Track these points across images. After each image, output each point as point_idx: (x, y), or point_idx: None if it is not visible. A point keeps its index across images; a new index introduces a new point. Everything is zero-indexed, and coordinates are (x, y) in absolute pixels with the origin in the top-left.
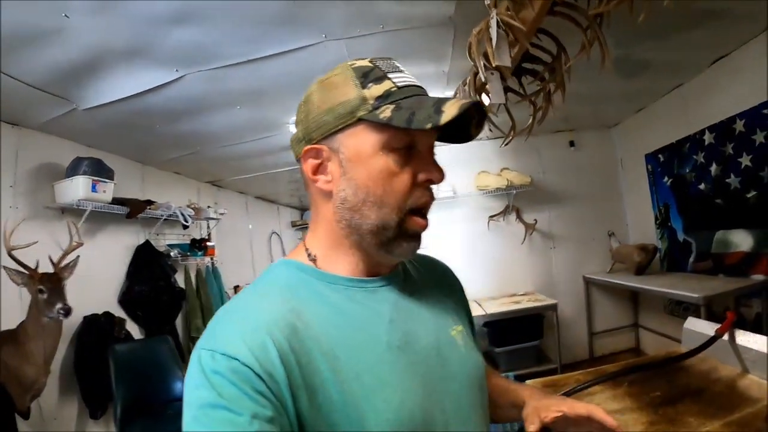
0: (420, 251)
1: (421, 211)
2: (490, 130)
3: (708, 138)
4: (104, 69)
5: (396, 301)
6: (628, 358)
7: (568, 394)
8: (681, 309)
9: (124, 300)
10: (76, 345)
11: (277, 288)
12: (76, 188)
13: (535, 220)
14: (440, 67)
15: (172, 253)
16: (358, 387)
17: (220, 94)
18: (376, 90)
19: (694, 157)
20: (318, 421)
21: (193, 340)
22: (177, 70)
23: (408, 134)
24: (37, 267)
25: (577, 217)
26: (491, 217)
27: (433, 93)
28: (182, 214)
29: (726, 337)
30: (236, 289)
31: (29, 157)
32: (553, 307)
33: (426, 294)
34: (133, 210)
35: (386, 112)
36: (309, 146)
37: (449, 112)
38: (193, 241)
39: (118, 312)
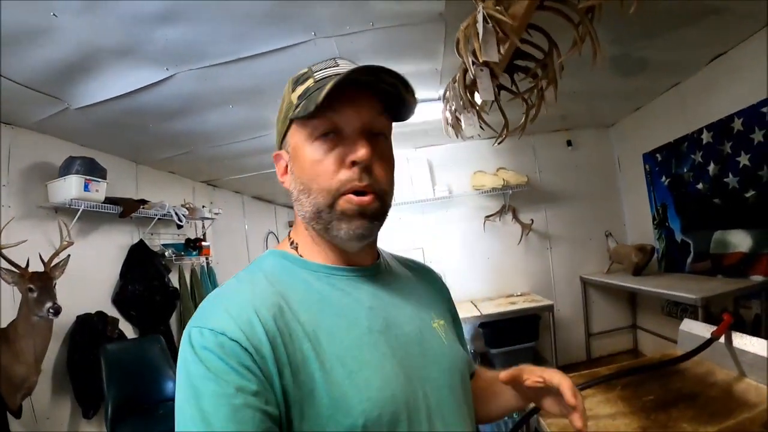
0: (418, 251)
1: (356, 191)
2: (482, 128)
3: (706, 137)
4: (95, 68)
5: (377, 290)
6: (626, 359)
7: None
8: (679, 310)
9: (118, 300)
10: (69, 344)
11: (264, 274)
12: (69, 187)
13: (532, 220)
14: (433, 65)
15: (166, 253)
16: (340, 367)
17: (213, 93)
18: (298, 90)
19: (692, 156)
20: (301, 398)
21: None
22: (167, 69)
23: (326, 121)
24: (27, 266)
25: (574, 217)
26: (487, 217)
27: (427, 92)
28: (176, 214)
29: (722, 339)
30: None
31: (22, 157)
32: (550, 308)
33: (408, 288)
34: (127, 209)
35: (299, 107)
36: (275, 153)
37: (326, 91)
38: (188, 240)
39: (112, 311)
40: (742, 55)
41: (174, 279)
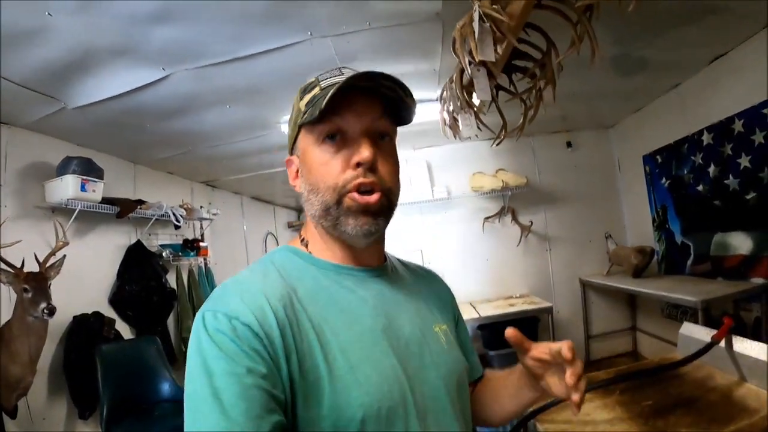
0: (416, 252)
1: (361, 190)
2: (480, 129)
3: (706, 138)
4: (91, 67)
5: (382, 290)
6: (626, 361)
7: (556, 404)
8: (679, 313)
9: (115, 300)
10: (66, 345)
11: (275, 267)
12: (66, 187)
13: (531, 221)
14: (430, 66)
15: (164, 254)
16: (342, 360)
17: (210, 93)
18: (306, 98)
19: (693, 157)
20: (305, 387)
21: (184, 341)
22: (163, 69)
23: (331, 125)
24: (22, 266)
25: (574, 218)
26: (486, 218)
27: (425, 92)
28: (174, 214)
29: (723, 343)
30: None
31: (19, 156)
32: (549, 310)
33: (413, 291)
34: (123, 209)
35: (306, 114)
36: (287, 158)
37: (328, 97)
38: (186, 241)
39: (109, 312)
40: (743, 56)
41: (171, 279)
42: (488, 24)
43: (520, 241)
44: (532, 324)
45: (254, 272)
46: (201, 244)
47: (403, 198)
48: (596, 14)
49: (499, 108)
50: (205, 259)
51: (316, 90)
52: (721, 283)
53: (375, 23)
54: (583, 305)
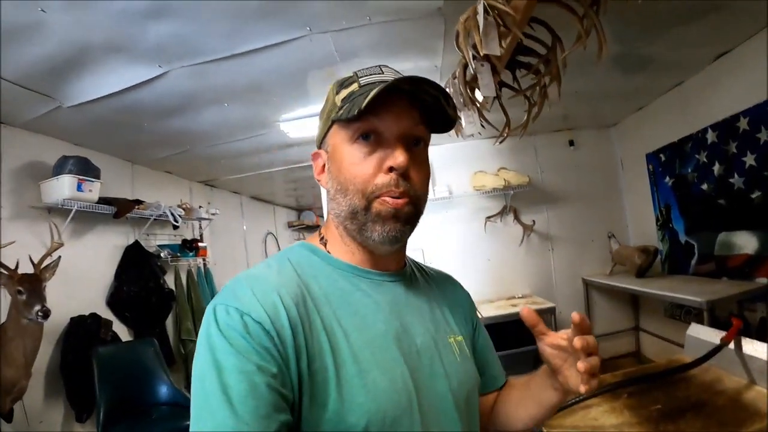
0: (417, 252)
1: (390, 194)
2: (483, 126)
3: (711, 137)
4: (86, 65)
5: (398, 296)
6: (629, 362)
7: (564, 408)
8: (682, 312)
9: (113, 301)
10: (62, 347)
11: (291, 264)
12: (62, 187)
13: (533, 221)
14: (432, 62)
15: (162, 254)
16: (351, 364)
17: (208, 91)
18: (342, 94)
19: (697, 156)
20: (313, 387)
21: (183, 342)
22: (160, 66)
23: (368, 125)
24: (17, 267)
25: (577, 218)
26: (488, 218)
27: None
28: (172, 214)
29: (731, 345)
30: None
31: (14, 156)
32: (552, 311)
33: (430, 299)
34: (121, 210)
35: (342, 110)
36: (314, 152)
37: (370, 97)
38: (184, 241)
39: (106, 313)
40: (748, 53)
41: (170, 280)
42: (493, 17)
43: (522, 241)
44: None
45: (270, 267)
46: (200, 244)
47: None
48: (603, 8)
49: (503, 105)
50: (204, 260)
51: (355, 86)
52: (725, 282)
53: (376, 18)
54: (585, 305)
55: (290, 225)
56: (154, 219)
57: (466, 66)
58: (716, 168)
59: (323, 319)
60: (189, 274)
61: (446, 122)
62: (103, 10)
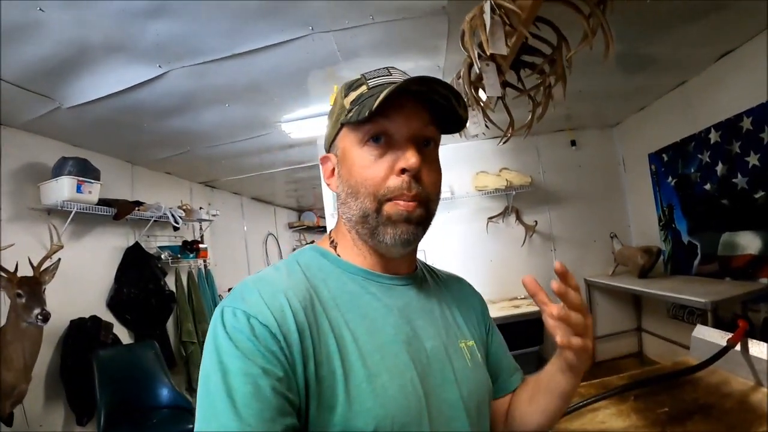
0: (420, 253)
1: (402, 197)
2: (487, 126)
3: (714, 136)
4: (86, 65)
5: (409, 300)
6: (631, 362)
7: (570, 412)
8: (685, 313)
9: (113, 303)
10: (62, 350)
11: (301, 267)
12: (61, 189)
13: (536, 221)
14: (435, 62)
15: (162, 256)
16: (360, 369)
17: (208, 91)
18: (351, 96)
19: (699, 156)
20: (320, 392)
21: (184, 344)
22: (159, 66)
23: (378, 127)
24: (16, 270)
25: (579, 218)
26: (490, 218)
27: None
28: (172, 215)
29: (738, 347)
30: (230, 292)
31: (13, 157)
32: None
33: (441, 303)
34: (121, 211)
35: (351, 112)
36: (323, 156)
37: (380, 99)
38: (185, 243)
39: (107, 316)
40: (750, 53)
41: (170, 282)
42: (499, 16)
43: (524, 242)
44: (538, 326)
45: (278, 270)
46: (200, 245)
47: None
48: (611, 7)
49: (506, 105)
50: (204, 261)
51: (363, 88)
52: (729, 283)
53: (379, 17)
54: (588, 306)
55: (291, 226)
56: (155, 220)
57: (471, 65)
58: (719, 168)
59: (332, 322)
60: (189, 275)
61: (457, 122)
62: (103, 10)
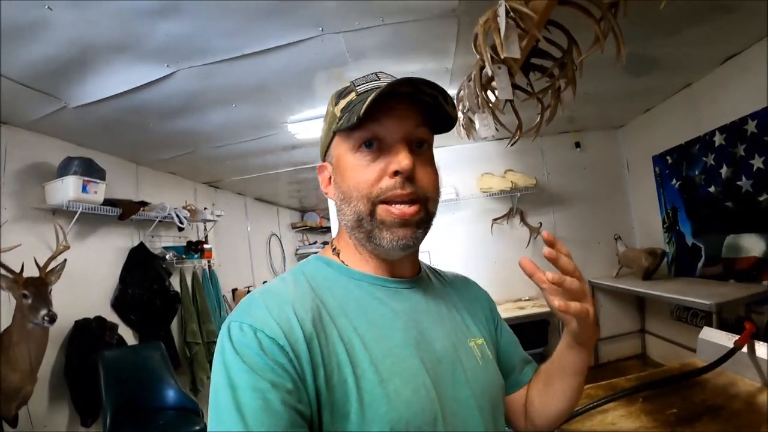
0: (424, 254)
1: (396, 200)
2: (497, 129)
3: (718, 139)
4: (93, 64)
5: (415, 303)
6: (634, 364)
7: (580, 413)
8: (689, 315)
9: (117, 304)
10: (67, 350)
11: (306, 277)
12: (66, 189)
13: (540, 223)
14: (443, 64)
15: (167, 256)
16: (372, 374)
17: (216, 91)
18: (341, 104)
19: (704, 158)
20: (332, 401)
21: (188, 344)
22: (168, 66)
23: (368, 132)
24: (22, 270)
25: (583, 220)
26: (495, 220)
27: None
28: (177, 216)
29: (744, 349)
30: (234, 292)
31: (18, 157)
32: None
33: (447, 303)
34: (126, 211)
35: (342, 120)
36: (319, 165)
37: (368, 103)
38: (189, 243)
39: (111, 316)
40: (756, 56)
41: (175, 282)
42: (512, 19)
43: (528, 243)
44: (542, 327)
45: (284, 282)
46: (205, 246)
47: None
48: (623, 10)
49: (515, 108)
50: (209, 262)
51: (353, 95)
52: (733, 285)
53: (389, 19)
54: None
55: (294, 226)
56: (159, 221)
57: (482, 68)
58: (724, 170)
59: (340, 330)
60: (194, 276)
61: (447, 121)
62: (112, 8)
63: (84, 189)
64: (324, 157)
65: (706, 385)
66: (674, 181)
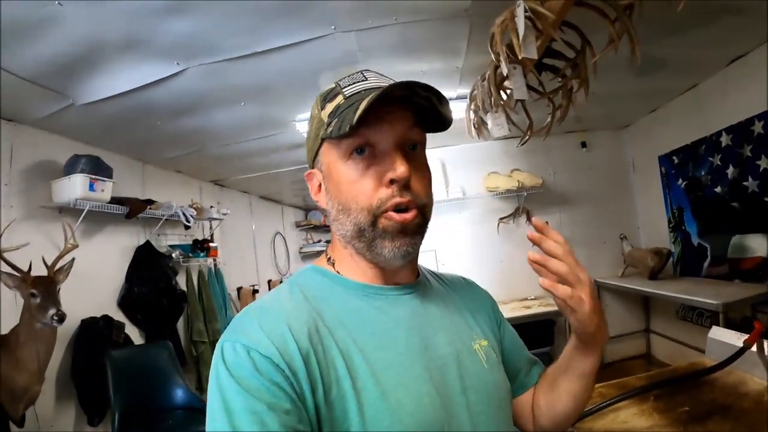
0: (430, 253)
1: (397, 208)
2: (509, 130)
3: (725, 140)
4: (102, 62)
5: (416, 309)
6: (640, 363)
7: (593, 412)
8: (694, 315)
9: (124, 303)
10: (73, 350)
11: (301, 289)
12: (74, 187)
13: (546, 222)
14: (453, 63)
15: (173, 254)
16: (373, 387)
17: (224, 90)
18: (328, 108)
19: (710, 159)
20: (333, 417)
21: (194, 343)
22: (178, 63)
23: (360, 138)
24: (29, 269)
25: (589, 219)
26: (501, 219)
27: (445, 91)
28: (184, 214)
29: (754, 348)
30: (239, 291)
31: (25, 155)
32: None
33: (449, 306)
34: (133, 210)
35: (331, 126)
36: (307, 172)
37: (360, 111)
38: (195, 241)
39: (118, 315)
40: (762, 57)
41: (181, 281)
42: (528, 19)
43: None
44: (548, 327)
45: (279, 296)
46: (210, 244)
47: None
48: (638, 11)
49: (526, 108)
50: (215, 260)
51: (339, 99)
52: (739, 285)
53: (402, 18)
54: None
55: (298, 225)
56: (165, 219)
57: (497, 68)
58: (730, 171)
59: (338, 343)
60: (200, 274)
61: (440, 121)
62: (123, 6)
63: (91, 187)
64: (312, 163)
65: (715, 384)
66: (680, 181)
